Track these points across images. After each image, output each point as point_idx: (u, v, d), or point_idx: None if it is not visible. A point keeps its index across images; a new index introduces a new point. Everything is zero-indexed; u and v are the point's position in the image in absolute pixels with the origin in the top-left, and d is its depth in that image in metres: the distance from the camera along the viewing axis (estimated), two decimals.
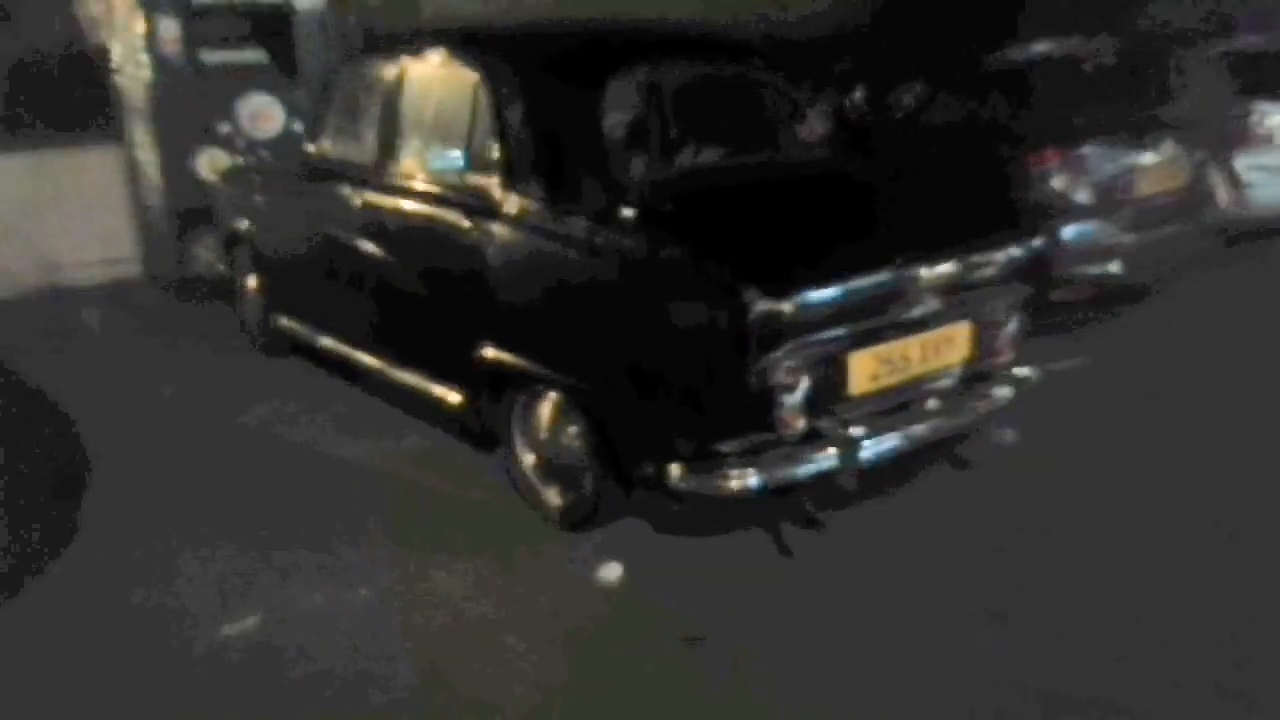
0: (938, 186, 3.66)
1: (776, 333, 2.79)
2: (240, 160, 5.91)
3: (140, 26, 5.84)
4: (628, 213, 3.05)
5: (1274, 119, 6.28)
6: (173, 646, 2.87)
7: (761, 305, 2.75)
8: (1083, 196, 5.04)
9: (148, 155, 6.17)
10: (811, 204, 3.35)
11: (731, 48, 4.05)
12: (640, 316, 2.96)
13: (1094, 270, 5.04)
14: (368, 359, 4.24)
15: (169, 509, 3.68)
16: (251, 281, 5.23)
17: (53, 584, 3.20)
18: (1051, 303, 4.70)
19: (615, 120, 3.59)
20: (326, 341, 4.56)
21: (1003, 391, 3.37)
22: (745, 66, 3.98)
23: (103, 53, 6.34)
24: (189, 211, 5.99)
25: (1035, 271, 3.43)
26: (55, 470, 4.02)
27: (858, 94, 5.79)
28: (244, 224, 5.15)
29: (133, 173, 6.46)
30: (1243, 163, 6.27)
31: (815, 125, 3.92)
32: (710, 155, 3.74)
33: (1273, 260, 6.40)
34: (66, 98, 6.51)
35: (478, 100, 3.51)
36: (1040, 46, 5.77)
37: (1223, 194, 6.21)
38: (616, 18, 4.13)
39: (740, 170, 3.65)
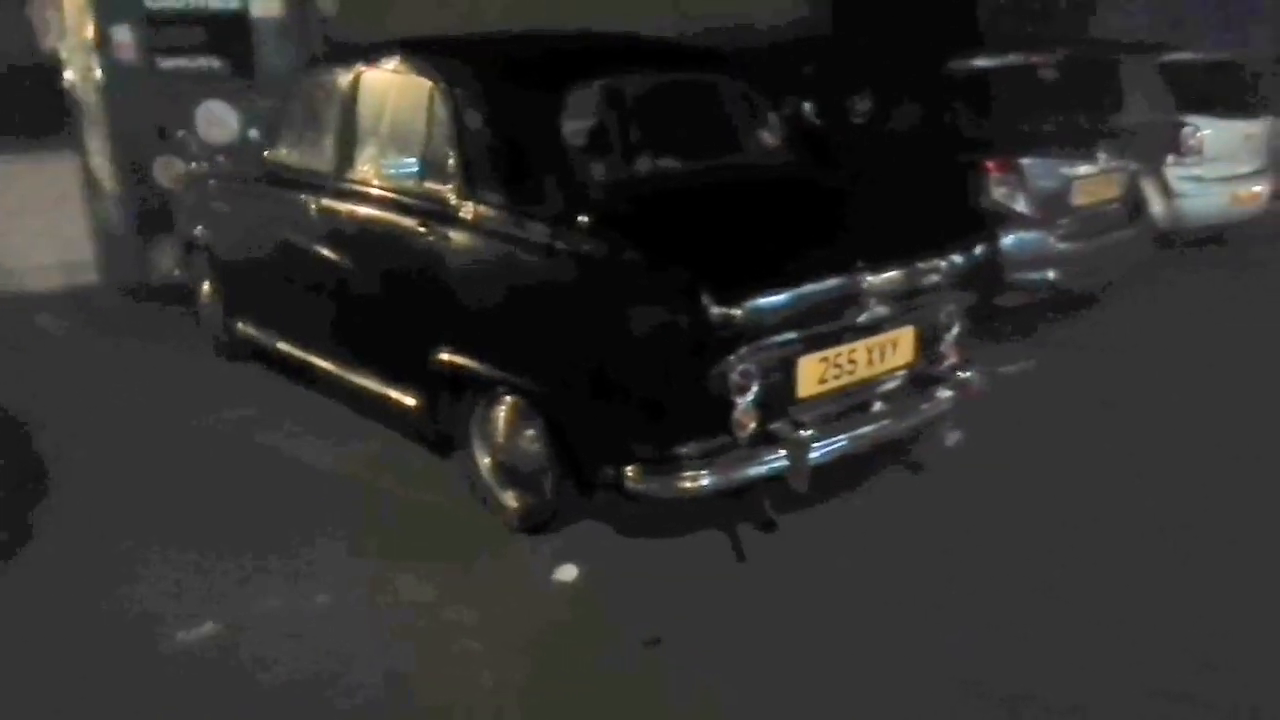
0: (892, 193, 3.69)
1: (732, 336, 2.79)
2: (197, 166, 5.79)
3: (91, 32, 5.70)
4: (586, 217, 3.03)
5: (1204, 131, 6.42)
6: (129, 653, 2.79)
7: (718, 309, 2.75)
8: (1022, 206, 5.11)
9: (103, 162, 6.04)
10: (769, 209, 3.36)
11: (694, 56, 4.05)
12: (598, 320, 2.94)
13: (1034, 277, 5.12)
14: (326, 363, 4.18)
15: (127, 513, 3.59)
16: (210, 287, 5.14)
17: (5, 586, 3.10)
18: (996, 308, 4.77)
19: (575, 126, 3.57)
20: (285, 346, 4.49)
21: (947, 394, 3.39)
22: (707, 74, 3.98)
23: (55, 59, 6.19)
24: (148, 217, 5.87)
25: (979, 278, 3.46)
26: (12, 472, 3.90)
27: (807, 105, 5.81)
28: (202, 230, 5.05)
29: (90, 180, 6.31)
30: (1175, 173, 6.40)
31: (776, 132, 3.94)
32: (670, 161, 3.74)
33: (1206, 266, 6.55)
34: (25, 105, 6.34)
35: (435, 107, 3.47)
36: (996, 56, 5.84)
37: (1157, 204, 6.34)
38: (584, 28, 4.11)
39: (700, 175, 3.65)
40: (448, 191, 3.39)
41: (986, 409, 3.59)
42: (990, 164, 5.11)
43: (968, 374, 3.43)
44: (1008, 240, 4.94)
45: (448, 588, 3.08)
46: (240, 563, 3.24)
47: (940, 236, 3.41)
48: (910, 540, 3.29)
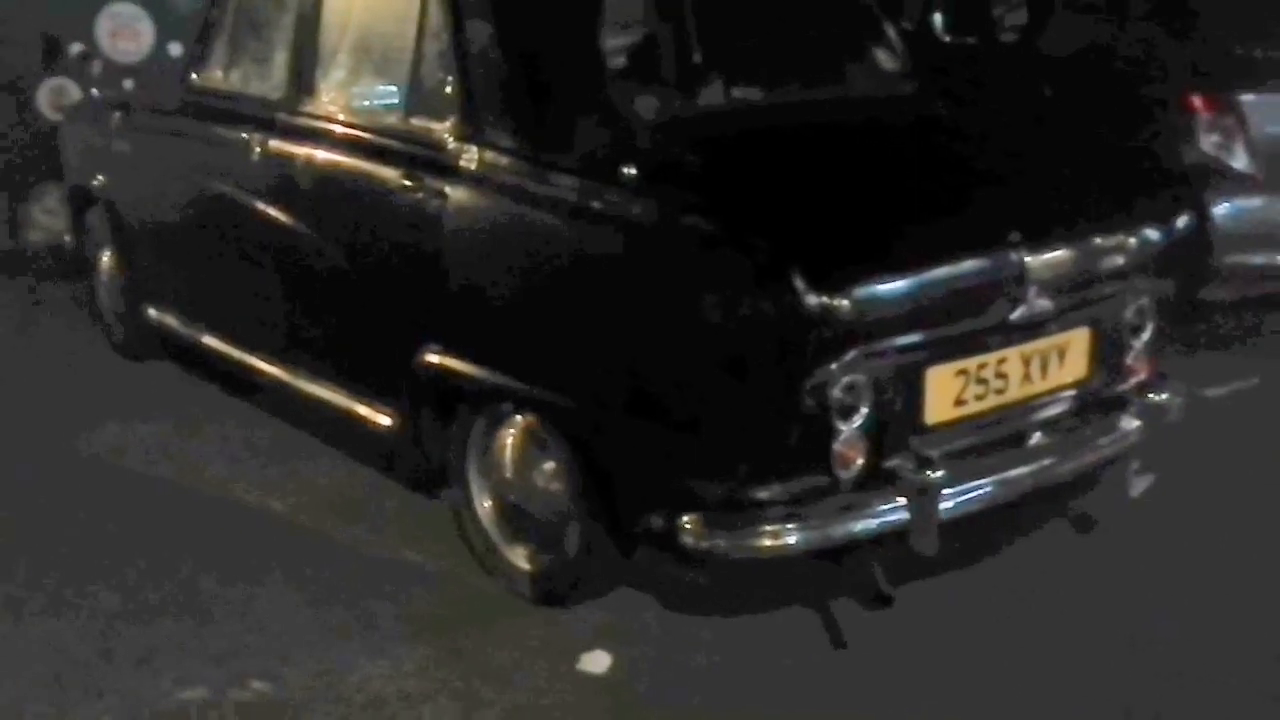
0: (1057, 142, 3.67)
1: (835, 337, 2.78)
2: (97, 93, 5.89)
3: None
4: (632, 168, 3.04)
5: None
6: None
7: (816, 299, 2.73)
8: (1242, 161, 5.06)
9: None
10: (887, 161, 3.36)
11: None
12: (647, 311, 2.95)
13: (1257, 261, 5.06)
14: (268, 366, 4.23)
15: None
16: (110, 258, 5.21)
17: None
18: (1202, 304, 4.72)
19: (617, 41, 3.59)
20: (211, 341, 4.54)
21: (1133, 424, 3.37)
22: None
23: None
24: (24, 162, 5.97)
25: (1179, 262, 3.45)
26: None
27: (937, 16, 5.80)
28: (100, 179, 5.13)
29: None
30: None
31: (896, 52, 3.93)
32: (748, 90, 3.75)
33: None
34: None
35: (426, 12, 3.50)
36: None
37: None
38: None
39: (789, 112, 3.65)
40: (443, 130, 3.42)
41: (1188, 445, 3.56)
42: (1197, 101, 5.06)
43: (1162, 396, 3.40)
44: (1220, 209, 4.90)
45: (430, 679, 3.09)
46: (143, 640, 3.27)
47: (1125, 203, 3.40)
48: (1075, 626, 3.26)
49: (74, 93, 5.92)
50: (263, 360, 4.25)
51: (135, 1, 6.02)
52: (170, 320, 4.82)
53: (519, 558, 3.44)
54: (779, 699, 3.00)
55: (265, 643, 3.25)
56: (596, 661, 3.15)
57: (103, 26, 6.00)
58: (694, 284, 2.87)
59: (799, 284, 2.73)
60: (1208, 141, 5.08)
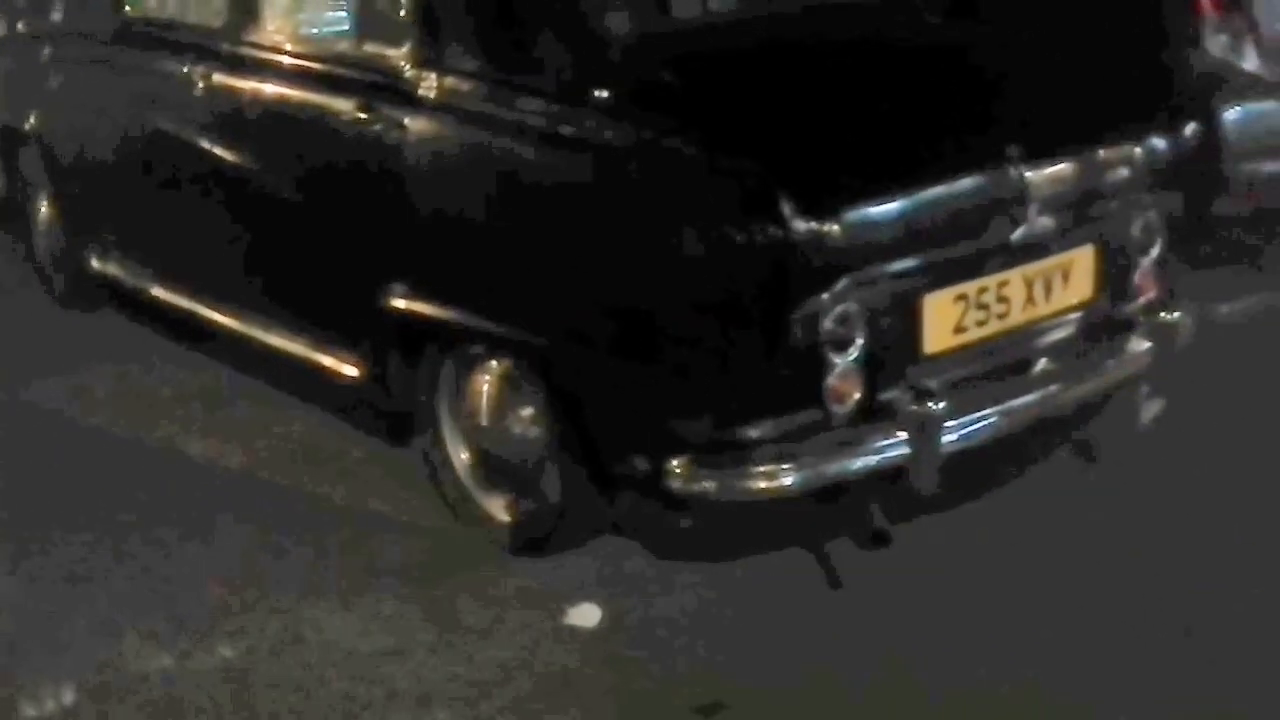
0: (1056, 49, 3.66)
1: (826, 265, 2.78)
2: (22, 24, 5.80)
3: None
4: (605, 89, 3.03)
5: None
6: None
7: (805, 223, 2.74)
8: (1253, 62, 5.05)
9: None
10: (874, 76, 3.34)
11: None
12: (626, 242, 2.95)
13: (1270, 169, 5.06)
14: (221, 314, 4.22)
15: None
16: (46, 203, 5.17)
17: None
18: (1213, 217, 4.73)
19: None
20: (159, 290, 4.53)
21: (1142, 346, 3.39)
22: None
23: None
24: None
25: (1188, 173, 3.46)
26: None
27: None
28: (30, 118, 5.08)
29: None
30: None
31: None
32: (729, 3, 3.72)
33: None
34: None
35: None
36: None
37: None
38: None
39: (769, 25, 3.62)
40: (399, 56, 3.39)
41: (1199, 367, 3.57)
42: (1204, 1, 5.04)
43: (1173, 316, 3.42)
44: (1231, 115, 4.88)
45: (403, 636, 3.12)
46: (100, 601, 3.30)
47: (1129, 113, 3.40)
48: (1083, 564, 3.30)
49: None
50: (215, 308, 4.24)
51: None
52: (114, 268, 4.79)
53: (496, 507, 3.46)
54: (776, 643, 3.04)
55: (229, 601, 3.28)
56: (585, 615, 3.18)
57: None
58: (674, 212, 2.87)
59: (785, 209, 2.73)
60: (1216, 44, 5.06)
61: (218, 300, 4.23)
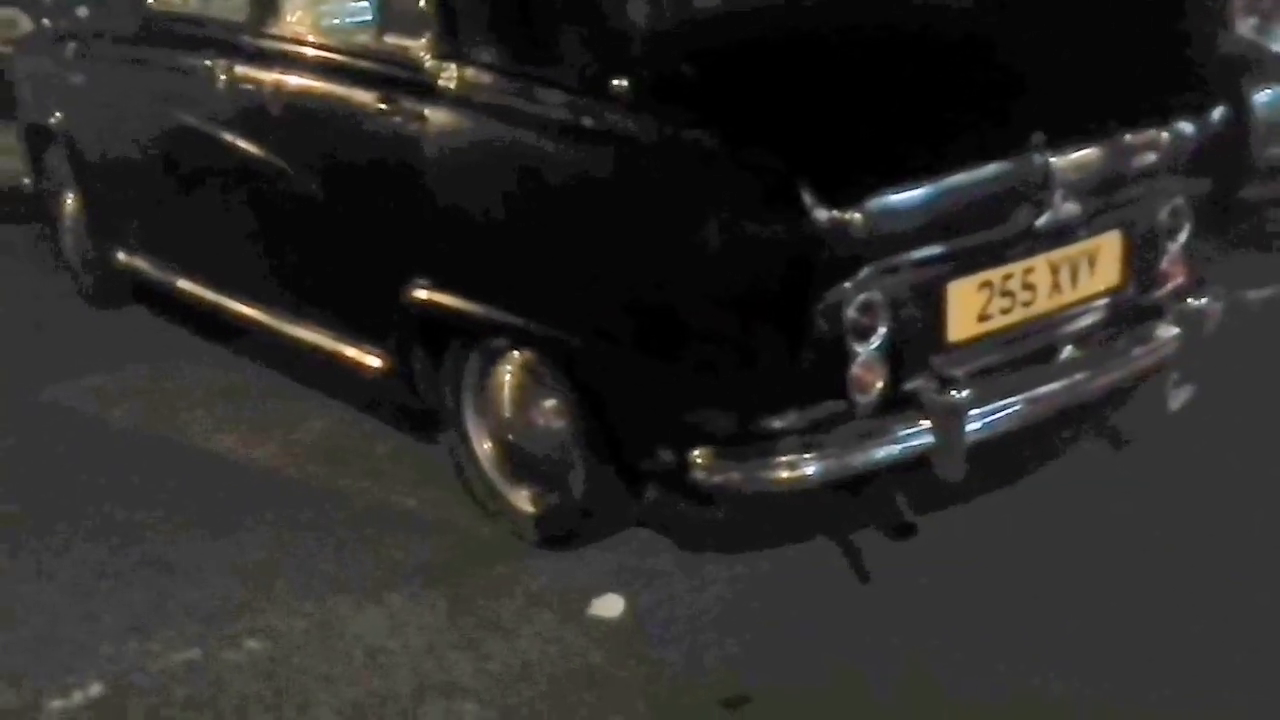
0: (1080, 31, 3.63)
1: (849, 254, 2.77)
2: (49, 22, 5.84)
3: None
4: (625, 80, 3.02)
5: None
6: None
7: (827, 212, 2.72)
8: None
9: None
10: (896, 62, 3.32)
11: None
12: (647, 233, 2.94)
13: None
14: (246, 308, 4.24)
15: None
16: (72, 199, 5.20)
17: None
18: (1242, 202, 4.69)
19: None
20: (185, 284, 4.56)
21: (1171, 332, 3.36)
22: None
23: None
24: None
25: (1216, 158, 3.43)
26: None
27: None
28: (57, 115, 5.12)
29: None
30: None
31: None
32: None
33: None
34: None
35: None
36: None
37: None
38: None
39: (793, 14, 3.60)
40: (420, 48, 3.40)
41: (1229, 353, 3.55)
42: None
43: (1201, 302, 3.39)
44: (1260, 99, 4.84)
45: (430, 629, 3.13)
46: (129, 600, 3.32)
47: (1156, 96, 3.37)
48: (1113, 552, 3.28)
49: (24, 23, 5.87)
50: (241, 303, 4.27)
51: None
52: (140, 263, 4.82)
53: (521, 500, 3.46)
54: (802, 637, 3.03)
55: (255, 597, 3.30)
56: (609, 605, 3.18)
57: None
58: (695, 204, 2.85)
59: (807, 200, 2.71)
60: (1245, 25, 5.03)
61: (243, 295, 4.26)
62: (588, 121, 3.05)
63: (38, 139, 5.38)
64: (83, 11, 5.50)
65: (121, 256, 4.92)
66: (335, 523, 3.64)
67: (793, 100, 3.05)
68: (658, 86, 3.04)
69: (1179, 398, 3.45)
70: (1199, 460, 3.63)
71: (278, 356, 4.24)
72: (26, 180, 5.66)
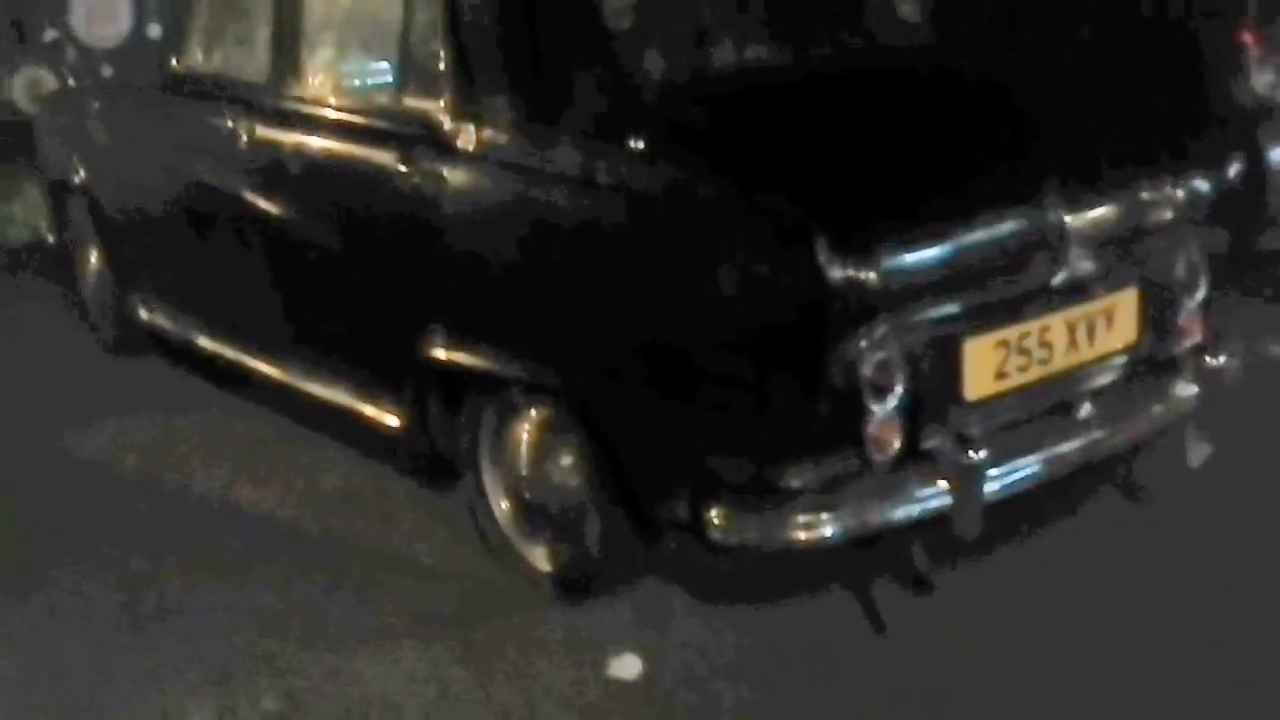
0: (1094, 85, 3.64)
1: (864, 308, 2.77)
2: (73, 81, 5.91)
3: None
4: (639, 134, 3.04)
5: None
6: None
7: (842, 267, 2.73)
8: None
9: None
10: (911, 117, 3.33)
11: None
12: (662, 288, 2.95)
13: None
14: (265, 361, 4.25)
15: None
16: (95, 254, 5.23)
17: None
18: (1260, 254, 4.67)
19: None
20: (204, 338, 4.57)
21: (1189, 389, 3.35)
22: None
23: None
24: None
25: (1232, 211, 3.42)
26: None
27: None
28: (80, 172, 5.14)
29: None
30: None
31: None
32: (760, 45, 3.74)
33: None
34: None
35: None
36: None
37: None
38: None
39: (804, 68, 3.63)
40: (437, 108, 3.42)
41: (1248, 410, 3.52)
42: (1248, 36, 5.01)
43: (1220, 358, 3.38)
44: (1276, 152, 4.84)
45: (448, 684, 3.12)
46: (142, 655, 3.30)
47: (1172, 149, 3.37)
48: (1131, 608, 3.25)
49: (50, 82, 5.94)
50: (259, 355, 4.27)
51: None
52: (160, 317, 4.84)
53: (537, 554, 3.46)
54: (820, 690, 3.01)
55: (270, 648, 3.29)
56: (626, 667, 3.16)
57: (78, 10, 6.01)
58: (709, 258, 2.86)
59: (821, 254, 2.71)
60: (1260, 79, 5.03)
61: (262, 348, 4.26)
62: (604, 176, 3.06)
63: (61, 195, 5.41)
64: (107, 71, 5.57)
65: (141, 310, 4.93)
66: (350, 571, 3.63)
67: (807, 151, 3.07)
68: (671, 138, 3.07)
69: (1198, 453, 3.43)
70: (1218, 515, 3.59)
71: (296, 407, 4.23)
72: (50, 235, 5.69)
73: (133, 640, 3.39)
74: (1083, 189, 3.07)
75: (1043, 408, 3.15)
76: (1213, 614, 3.21)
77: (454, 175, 3.36)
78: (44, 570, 3.74)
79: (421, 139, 3.44)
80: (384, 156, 3.53)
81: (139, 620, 3.47)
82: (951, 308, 2.91)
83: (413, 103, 3.51)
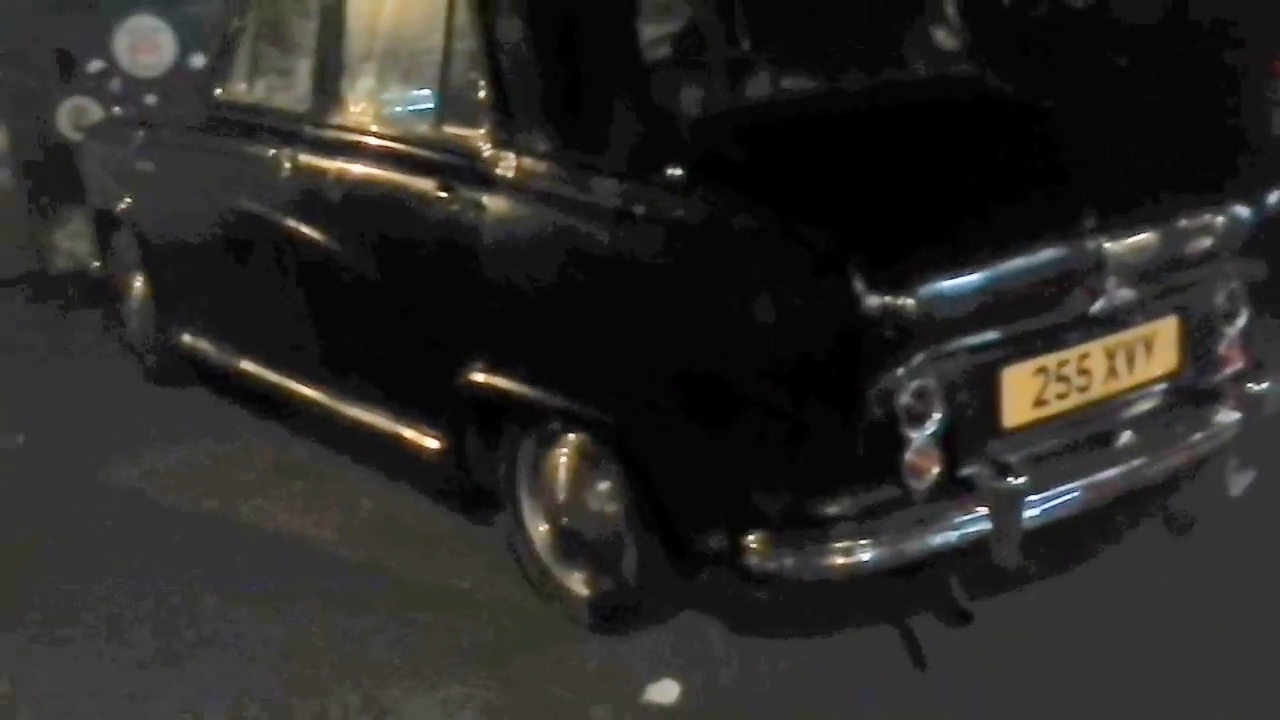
0: (1133, 117, 3.63)
1: (902, 338, 2.77)
2: (118, 111, 5.97)
3: None
4: (677, 166, 3.05)
5: None
6: None
7: (879, 297, 2.73)
8: None
9: None
10: (948, 148, 3.34)
11: None
12: (700, 318, 2.95)
13: None
14: (305, 389, 4.28)
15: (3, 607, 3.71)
16: (139, 282, 5.28)
17: None
18: None
19: (656, 29, 3.59)
20: (246, 365, 4.60)
21: (1231, 417, 3.32)
22: None
23: None
24: (46, 185, 6.06)
25: (1272, 239, 3.40)
26: None
27: None
28: (125, 201, 5.21)
29: None
30: None
31: (955, 28, 3.90)
32: (797, 77, 3.75)
33: None
34: None
35: (455, 12, 3.53)
36: None
37: None
38: None
39: (841, 99, 3.63)
40: (478, 138, 3.44)
41: None
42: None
43: (1261, 386, 3.35)
44: None
45: (487, 714, 3.12)
46: (183, 684, 3.31)
47: (1210, 179, 3.36)
48: (1174, 639, 3.22)
49: (95, 112, 6.00)
50: (300, 383, 4.30)
51: (154, 13, 6.10)
52: (203, 345, 4.88)
53: (575, 583, 3.45)
54: (858, 718, 3.00)
55: (310, 679, 3.29)
56: (664, 691, 3.15)
57: (121, 41, 6.08)
58: (747, 289, 2.87)
59: (858, 285, 2.72)
60: None
61: (303, 376, 4.29)
62: (641, 207, 3.08)
63: (106, 224, 5.47)
64: (151, 99, 5.63)
65: (185, 338, 4.97)
66: (388, 600, 3.64)
67: (843, 185, 3.08)
68: (708, 170, 3.07)
69: (1240, 482, 3.40)
70: (1259, 544, 3.56)
71: (335, 435, 4.26)
72: (94, 263, 5.75)
73: (171, 670, 3.40)
74: (1121, 218, 3.06)
75: (1082, 436, 3.12)
76: (1254, 644, 3.18)
77: (494, 204, 3.37)
78: (83, 599, 3.76)
79: (462, 168, 3.47)
80: (424, 184, 3.56)
81: (177, 650, 3.48)
82: (989, 336, 2.91)
83: (453, 131, 3.54)
